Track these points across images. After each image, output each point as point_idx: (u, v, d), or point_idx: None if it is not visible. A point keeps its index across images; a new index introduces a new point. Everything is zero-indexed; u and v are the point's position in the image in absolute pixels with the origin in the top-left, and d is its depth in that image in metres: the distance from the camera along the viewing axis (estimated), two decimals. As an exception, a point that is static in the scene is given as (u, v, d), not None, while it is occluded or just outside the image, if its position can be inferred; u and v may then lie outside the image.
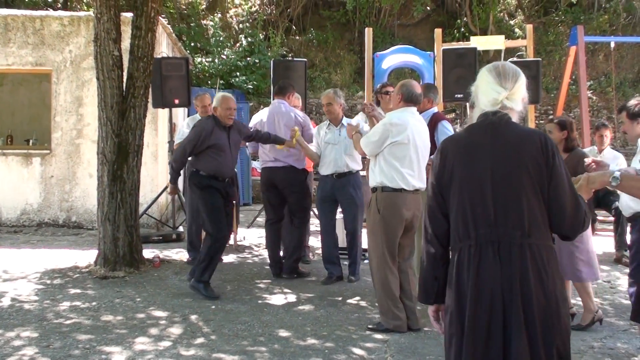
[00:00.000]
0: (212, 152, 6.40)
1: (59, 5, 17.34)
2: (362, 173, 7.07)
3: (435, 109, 6.51)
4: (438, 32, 10.33)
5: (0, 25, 10.37)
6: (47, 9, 14.63)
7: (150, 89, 7.77)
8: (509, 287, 2.54)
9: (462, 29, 18.53)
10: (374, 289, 5.50)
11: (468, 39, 12.95)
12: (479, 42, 10.78)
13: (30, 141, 11.33)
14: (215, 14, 19.04)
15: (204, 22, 18.93)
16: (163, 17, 12.02)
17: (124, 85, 7.52)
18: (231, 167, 6.63)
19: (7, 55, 10.38)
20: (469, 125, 2.82)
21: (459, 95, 8.77)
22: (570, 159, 5.51)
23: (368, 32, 10.32)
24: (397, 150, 5.26)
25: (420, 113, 5.77)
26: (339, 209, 7.28)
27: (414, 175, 5.33)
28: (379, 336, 5.22)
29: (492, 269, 2.56)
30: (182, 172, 6.97)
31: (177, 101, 9.25)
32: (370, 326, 5.41)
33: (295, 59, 9.78)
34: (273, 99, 7.77)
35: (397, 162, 5.27)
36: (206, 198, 6.44)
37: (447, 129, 6.26)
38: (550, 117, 6.98)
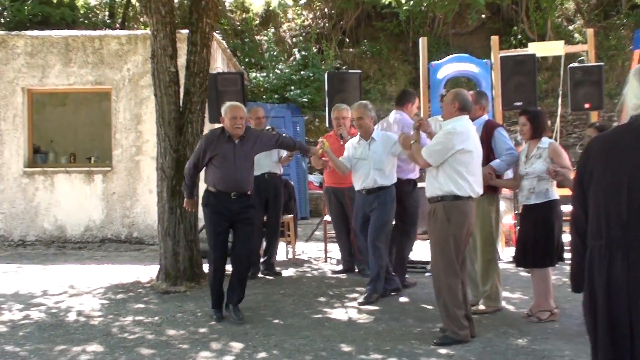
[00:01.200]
0: (214, 162, 6.08)
1: (117, 25, 17.75)
2: (422, 184, 6.91)
3: (486, 117, 6.41)
4: (495, 39, 10.13)
5: (61, 45, 10.67)
6: (105, 29, 14.98)
7: (206, 104, 7.81)
8: (636, 293, 2.60)
9: (519, 36, 18.23)
10: (439, 301, 5.36)
11: (525, 46, 12.67)
12: (538, 48, 10.53)
13: (92, 159, 11.58)
14: (269, 29, 19.22)
15: (258, 37, 19.14)
16: (217, 33, 12.15)
17: (181, 101, 7.60)
18: (235, 180, 6.07)
19: (69, 75, 10.66)
20: (616, 127, 2.88)
21: (518, 103, 8.56)
22: None
23: (422, 42, 10.20)
24: (463, 157, 5.22)
25: (472, 121, 5.70)
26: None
27: (478, 182, 5.33)
28: (443, 351, 5.07)
29: (621, 273, 2.62)
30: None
31: (233, 116, 9.26)
32: (435, 341, 5.27)
33: (349, 70, 9.70)
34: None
35: (464, 170, 5.22)
36: (206, 217, 6.17)
37: (504, 136, 6.20)
38: (594, 123, 6.77)
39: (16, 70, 10.69)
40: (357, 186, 6.83)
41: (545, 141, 5.89)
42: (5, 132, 10.68)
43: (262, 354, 5.07)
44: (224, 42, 11.98)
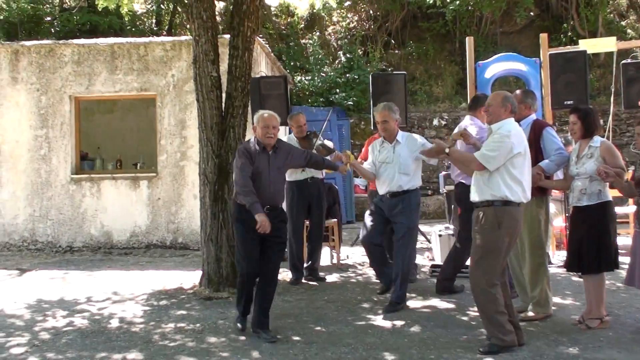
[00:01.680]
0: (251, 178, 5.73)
1: (164, 33, 17.94)
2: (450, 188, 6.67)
3: (534, 116, 6.19)
4: (544, 36, 9.82)
5: (107, 53, 10.79)
6: (152, 37, 15.14)
7: (249, 109, 7.75)
8: None
9: (569, 33, 17.78)
10: (480, 307, 5.17)
11: (576, 44, 12.30)
12: (589, 45, 10.16)
13: (138, 165, 11.67)
14: (314, 33, 19.16)
15: (303, 41, 19.09)
16: (261, 37, 12.13)
17: (223, 105, 7.55)
18: (271, 194, 5.80)
19: (115, 82, 10.78)
20: None
21: (568, 102, 8.27)
22: None
23: (469, 41, 9.95)
24: (518, 162, 5.09)
25: (518, 121, 5.58)
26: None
27: (528, 186, 5.21)
28: (490, 359, 4.89)
29: None
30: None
31: (277, 120, 9.20)
32: (481, 349, 5.07)
33: (394, 72, 9.56)
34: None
35: (518, 174, 5.09)
36: (238, 231, 5.85)
37: (553, 136, 6.00)
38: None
39: (63, 78, 10.85)
40: (382, 190, 6.65)
41: (597, 140, 5.66)
42: (53, 139, 10.85)
43: (303, 363, 4.95)
44: (267, 46, 11.95)
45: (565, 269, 6.04)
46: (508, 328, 5.06)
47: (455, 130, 6.86)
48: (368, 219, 6.71)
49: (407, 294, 7.02)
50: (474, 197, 5.24)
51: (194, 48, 7.48)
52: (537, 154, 5.76)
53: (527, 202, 5.26)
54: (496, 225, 5.04)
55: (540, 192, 5.79)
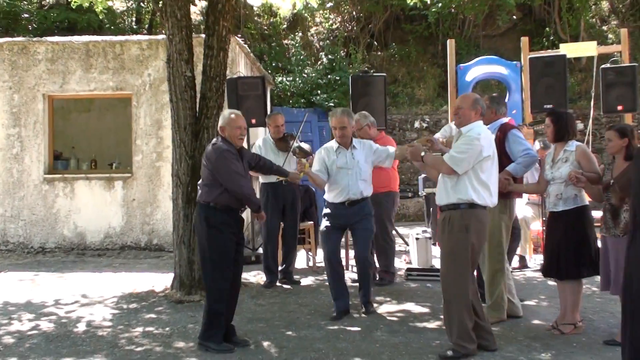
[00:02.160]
0: None
1: (144, 31, 17.75)
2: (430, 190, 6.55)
3: (502, 120, 6.13)
4: (525, 40, 9.80)
5: (82, 51, 10.62)
6: (131, 35, 14.95)
7: (222, 109, 7.61)
8: None
9: (552, 37, 17.79)
10: (447, 312, 5.08)
11: (557, 48, 12.30)
12: (569, 49, 10.18)
13: (114, 165, 11.50)
14: (296, 33, 19.05)
15: (285, 41, 18.96)
16: (240, 37, 12.00)
17: (197, 106, 7.42)
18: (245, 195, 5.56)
19: (89, 81, 10.61)
20: None
21: (548, 106, 8.27)
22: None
23: (450, 43, 9.91)
24: (485, 165, 5.03)
25: (487, 125, 5.55)
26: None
27: (495, 191, 5.16)
28: (461, 367, 4.81)
29: None
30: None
31: (254, 121, 9.13)
32: (441, 355, 4.99)
33: (374, 73, 9.48)
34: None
35: (486, 178, 5.03)
36: (216, 239, 5.34)
37: (519, 137, 5.96)
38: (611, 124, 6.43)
39: (37, 76, 10.66)
40: (338, 198, 6.39)
41: (572, 144, 5.61)
42: (26, 138, 10.65)
43: (271, 369, 4.84)
44: (246, 46, 11.81)
45: (542, 274, 5.98)
46: (472, 336, 4.98)
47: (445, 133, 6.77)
48: (329, 234, 6.42)
49: (382, 297, 6.99)
50: (440, 200, 5.17)
51: (168, 47, 7.34)
52: (501, 156, 5.61)
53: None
54: (463, 229, 4.97)
55: (503, 196, 5.63)
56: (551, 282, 7.22)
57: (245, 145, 9.58)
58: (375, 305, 6.62)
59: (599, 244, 5.52)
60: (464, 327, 4.96)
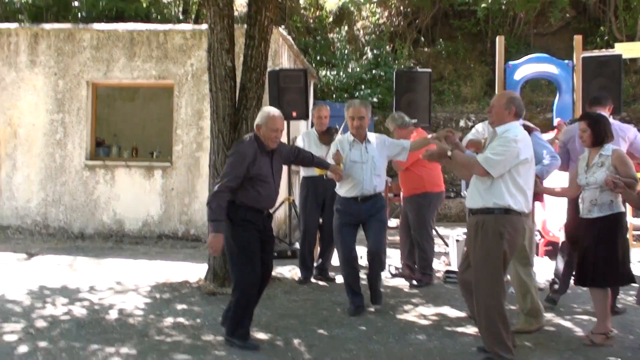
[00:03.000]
0: (253, 182, 5.20)
1: (191, 22, 17.80)
2: None
3: (521, 121, 5.86)
4: (578, 38, 9.46)
5: (126, 39, 10.66)
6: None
7: (262, 101, 7.50)
8: None
9: (606, 37, 17.28)
10: (482, 321, 4.84)
11: (612, 48, 11.92)
12: (625, 49, 9.86)
13: (154, 154, 11.53)
14: (342, 27, 18.88)
15: (331, 35, 18.82)
16: (284, 29, 11.89)
17: (237, 97, 7.33)
18: (274, 198, 5.42)
19: (133, 69, 10.64)
20: None
21: (600, 108, 7.93)
22: None
23: (499, 40, 9.62)
24: (523, 169, 4.78)
25: None
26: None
27: (530, 197, 4.92)
28: (498, 375, 4.60)
29: None
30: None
31: (295, 114, 9.01)
32: None
33: (419, 69, 9.27)
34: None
35: (523, 183, 4.78)
36: (239, 234, 5.17)
37: (541, 140, 5.88)
38: None
39: (82, 63, 10.73)
40: (351, 193, 6.20)
41: (608, 148, 5.37)
42: (69, 124, 10.74)
43: (300, 368, 4.72)
44: (290, 38, 11.69)
45: (574, 283, 5.73)
46: (508, 346, 4.75)
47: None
48: (342, 233, 6.26)
49: (419, 299, 6.81)
50: (472, 203, 4.91)
51: (209, 36, 7.26)
52: None
53: None
54: (498, 235, 4.72)
55: None
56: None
57: (285, 138, 9.56)
58: (409, 307, 6.46)
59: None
60: (499, 336, 4.73)
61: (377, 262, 6.27)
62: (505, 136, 4.78)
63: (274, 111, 5.40)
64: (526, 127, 5.78)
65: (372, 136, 6.32)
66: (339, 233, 6.30)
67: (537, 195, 5.78)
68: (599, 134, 5.36)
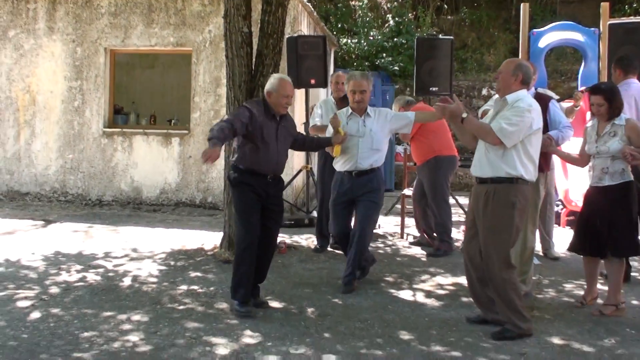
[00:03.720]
0: (253, 141, 5.22)
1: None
2: None
3: (533, 90, 5.75)
4: (605, 5, 9.15)
5: (144, 6, 10.53)
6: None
7: (279, 68, 7.36)
8: None
9: (635, 5, 16.81)
10: (496, 292, 4.76)
11: (640, 15, 11.59)
12: (653, 16, 9.52)
13: (172, 121, 11.47)
14: (364, -6, 18.61)
15: (352, 2, 18.55)
16: (305, -4, 11.68)
17: (253, 63, 7.20)
18: (276, 162, 5.39)
19: (150, 36, 10.53)
20: None
21: (628, 77, 7.69)
22: None
23: (524, 7, 9.38)
24: (535, 138, 4.74)
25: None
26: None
27: (537, 165, 4.86)
28: (515, 347, 4.50)
29: None
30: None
31: (313, 81, 8.86)
32: (493, 334, 4.70)
33: (441, 36, 9.07)
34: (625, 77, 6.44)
35: (534, 152, 4.73)
36: (238, 196, 5.32)
37: (558, 109, 5.76)
38: None
39: (99, 30, 10.63)
40: (345, 166, 6.01)
41: (621, 117, 5.23)
42: (87, 91, 10.69)
43: (312, 337, 4.66)
44: (309, 5, 11.49)
45: (572, 250, 5.61)
46: (525, 315, 4.70)
47: None
48: (336, 212, 6.09)
49: (436, 269, 6.72)
50: (481, 171, 4.81)
51: (225, 2, 7.12)
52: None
53: None
54: (510, 205, 4.64)
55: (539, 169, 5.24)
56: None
57: (303, 106, 9.43)
58: (426, 277, 6.39)
59: None
60: (513, 305, 4.67)
61: (359, 242, 5.88)
62: (519, 106, 4.67)
63: (285, 77, 5.49)
64: (541, 96, 5.66)
65: (372, 110, 6.09)
66: (332, 212, 6.17)
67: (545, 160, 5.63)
68: (617, 108, 5.24)
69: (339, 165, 6.08)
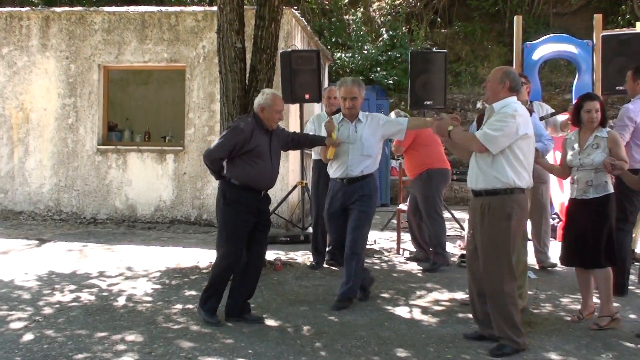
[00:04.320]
0: (249, 158, 5.28)
1: (205, 3, 17.65)
2: None
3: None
4: (598, 17, 9.20)
5: (138, 22, 10.54)
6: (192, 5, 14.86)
7: (273, 83, 7.36)
8: None
9: (627, 16, 16.90)
10: (493, 306, 4.72)
11: (633, 27, 11.62)
12: (646, 28, 9.55)
13: (167, 138, 11.44)
14: (358, 9, 18.65)
15: (346, 17, 18.60)
16: (297, 11, 11.70)
17: (247, 79, 7.19)
18: (270, 177, 5.47)
19: (144, 52, 10.54)
20: None
21: (620, 87, 7.68)
22: None
23: (517, 20, 9.41)
24: (524, 144, 4.69)
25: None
26: None
27: (531, 172, 4.82)
28: (513, 363, 4.46)
29: None
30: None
31: (307, 96, 8.87)
32: (491, 351, 4.65)
33: (435, 50, 9.09)
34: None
35: (524, 159, 4.69)
36: (230, 214, 5.31)
37: (539, 122, 5.98)
38: None
39: (93, 46, 10.64)
40: (337, 173, 5.98)
41: (603, 130, 5.33)
42: (81, 108, 10.67)
43: (308, 356, 4.60)
44: (303, 19, 11.51)
45: (562, 263, 5.64)
46: (522, 329, 4.67)
47: None
48: (330, 222, 6.06)
49: (432, 284, 6.68)
50: (475, 184, 4.80)
51: (219, 17, 7.13)
52: None
53: None
54: (506, 217, 4.62)
55: None
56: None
57: (297, 121, 9.40)
58: (423, 292, 6.34)
59: None
60: (511, 319, 4.63)
61: (349, 258, 5.82)
62: (504, 111, 4.68)
63: (276, 92, 5.58)
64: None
65: (364, 116, 6.02)
66: (327, 221, 6.15)
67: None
68: (606, 116, 5.38)
69: (332, 172, 6.07)
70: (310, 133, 7.43)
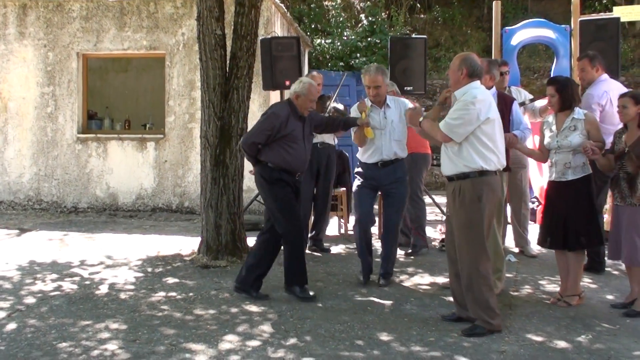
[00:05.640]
0: (284, 143, 5.62)
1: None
2: None
3: (494, 89, 5.91)
4: (576, 2, 9.25)
5: (116, 9, 10.44)
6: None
7: (253, 70, 7.35)
8: None
9: (604, 1, 17.02)
10: (469, 288, 4.80)
11: (611, 12, 11.72)
12: (623, 12, 9.68)
13: (147, 126, 11.38)
14: (337, -6, 18.64)
15: (326, 3, 18.56)
16: (278, -3, 11.67)
17: (227, 66, 7.17)
18: (304, 160, 5.81)
19: (123, 40, 10.45)
20: None
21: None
22: None
23: (496, 5, 9.47)
24: (488, 128, 4.74)
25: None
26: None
27: (502, 153, 4.88)
28: (494, 346, 4.53)
29: None
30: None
31: (288, 82, 8.80)
32: (463, 331, 4.74)
33: (414, 36, 9.12)
34: None
35: (490, 142, 4.74)
36: (276, 192, 5.66)
37: (519, 110, 6.05)
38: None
39: (71, 34, 10.53)
40: (372, 158, 6.13)
41: (579, 112, 5.41)
42: (60, 97, 10.58)
43: (293, 340, 4.64)
44: (282, 5, 11.47)
45: (541, 245, 5.74)
46: (497, 311, 4.75)
47: None
48: (361, 195, 6.20)
49: (414, 269, 6.78)
50: (447, 170, 4.91)
51: (198, 4, 7.10)
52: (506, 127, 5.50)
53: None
54: (476, 199, 4.70)
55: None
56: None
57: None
58: (405, 277, 6.41)
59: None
60: (485, 301, 4.71)
61: (391, 237, 6.19)
62: (464, 99, 4.73)
63: (313, 82, 5.88)
64: (504, 97, 5.86)
65: (392, 101, 6.20)
66: (357, 195, 6.28)
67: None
68: (567, 99, 5.40)
69: (364, 157, 6.20)
70: None
